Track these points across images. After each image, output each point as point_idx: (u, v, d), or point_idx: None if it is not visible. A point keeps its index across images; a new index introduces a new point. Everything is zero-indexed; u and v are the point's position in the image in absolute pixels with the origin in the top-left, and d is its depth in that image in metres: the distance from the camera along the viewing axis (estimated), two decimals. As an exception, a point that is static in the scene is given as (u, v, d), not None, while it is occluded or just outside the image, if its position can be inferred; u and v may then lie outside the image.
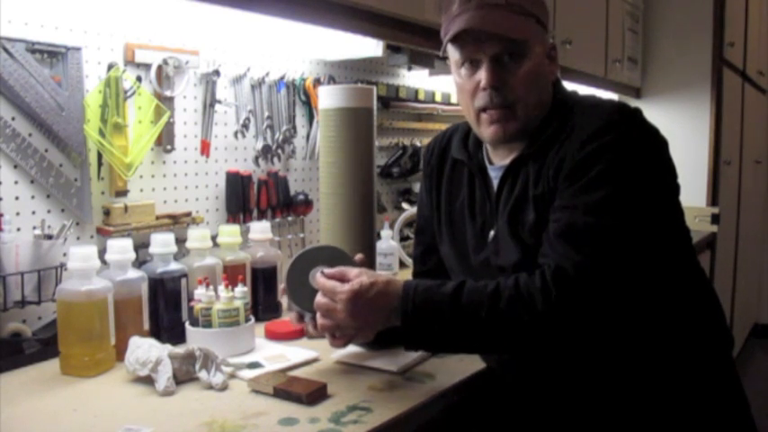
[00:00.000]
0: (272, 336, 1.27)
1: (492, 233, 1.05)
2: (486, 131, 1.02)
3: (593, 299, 0.89)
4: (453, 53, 1.02)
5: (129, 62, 1.33)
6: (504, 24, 0.96)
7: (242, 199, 1.54)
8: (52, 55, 1.21)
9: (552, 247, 0.92)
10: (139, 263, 1.25)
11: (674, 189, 1.00)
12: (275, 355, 1.14)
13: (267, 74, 1.60)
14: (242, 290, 1.19)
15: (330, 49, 1.70)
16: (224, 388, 0.99)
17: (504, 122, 1.00)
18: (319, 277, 0.96)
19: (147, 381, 1.00)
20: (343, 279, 0.94)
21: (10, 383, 1.02)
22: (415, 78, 2.11)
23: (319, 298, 0.95)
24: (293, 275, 1.01)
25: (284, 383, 0.96)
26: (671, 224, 1.01)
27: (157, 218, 1.36)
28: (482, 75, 0.98)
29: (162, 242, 1.22)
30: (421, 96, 2.08)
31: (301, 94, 1.70)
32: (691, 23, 2.92)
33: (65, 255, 1.13)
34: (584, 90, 1.58)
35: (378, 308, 0.92)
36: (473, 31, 0.96)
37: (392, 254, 1.79)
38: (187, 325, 1.16)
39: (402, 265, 1.85)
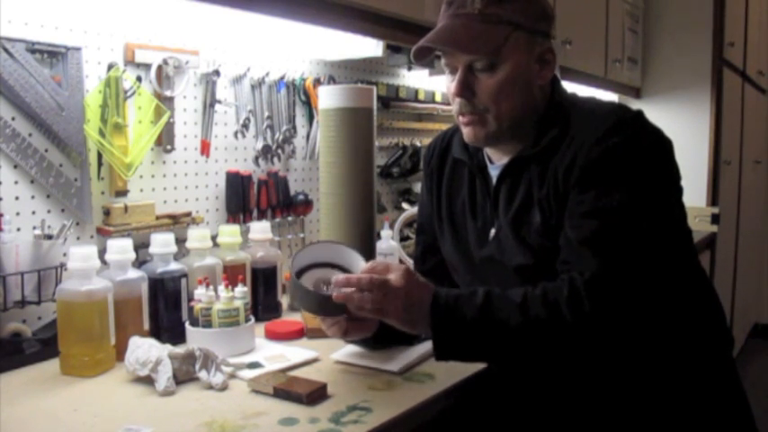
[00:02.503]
0: (272, 336, 1.27)
1: (492, 231, 1.05)
2: (464, 133, 1.05)
3: (626, 305, 0.89)
4: (442, 58, 1.04)
5: (129, 62, 1.33)
6: (467, 38, 0.97)
7: (242, 199, 1.54)
8: (52, 55, 1.21)
9: (577, 255, 0.92)
10: (139, 263, 1.25)
11: (679, 190, 1.01)
12: (275, 355, 1.14)
13: (267, 74, 1.60)
14: (242, 290, 1.19)
15: (330, 49, 1.70)
16: (224, 388, 0.99)
17: (475, 127, 1.02)
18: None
19: (147, 381, 1.00)
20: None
21: (10, 383, 1.02)
22: (415, 78, 2.11)
23: (367, 275, 0.93)
24: (295, 283, 1.01)
25: (284, 383, 0.96)
26: (676, 225, 1.01)
27: (157, 218, 1.36)
28: (454, 82, 1.00)
29: (162, 242, 1.22)
30: (421, 96, 2.08)
31: (301, 94, 1.70)
32: (691, 23, 2.92)
33: (65, 255, 1.13)
34: (584, 90, 1.58)
35: (424, 291, 0.92)
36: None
37: (392, 254, 1.78)
38: (187, 325, 1.16)
39: (402, 265, 1.85)
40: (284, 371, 1.06)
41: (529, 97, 1.02)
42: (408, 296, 0.91)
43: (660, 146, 0.97)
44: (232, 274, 1.27)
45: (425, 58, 1.03)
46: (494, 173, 1.07)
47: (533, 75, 1.01)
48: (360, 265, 1.03)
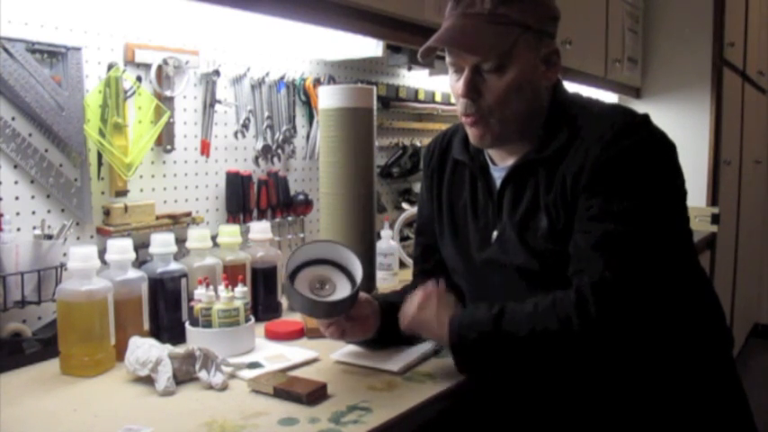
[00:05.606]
0: (272, 336, 1.27)
1: (495, 233, 1.05)
2: (469, 134, 1.04)
3: (633, 309, 0.90)
4: (446, 56, 1.03)
5: (129, 62, 1.33)
6: (478, 40, 0.96)
7: (242, 199, 1.54)
8: (52, 55, 1.21)
9: (587, 260, 0.92)
10: (139, 263, 1.25)
11: (684, 193, 1.01)
12: (275, 355, 1.14)
13: (267, 74, 1.60)
14: (242, 290, 1.19)
15: (330, 49, 1.70)
16: (224, 388, 0.99)
17: (480, 129, 1.01)
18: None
19: (147, 381, 1.00)
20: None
21: (10, 383, 1.02)
22: (415, 78, 2.11)
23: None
24: (288, 287, 1.02)
25: (284, 383, 0.96)
26: (680, 227, 1.01)
27: (157, 218, 1.36)
28: (461, 83, 1.00)
29: (162, 242, 1.22)
30: (421, 96, 2.08)
31: (301, 94, 1.70)
32: (691, 23, 2.92)
33: (65, 255, 1.13)
34: (584, 90, 1.58)
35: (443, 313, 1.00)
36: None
37: (392, 254, 1.79)
38: (187, 325, 1.16)
39: (402, 265, 1.85)
40: (284, 371, 1.06)
41: (535, 99, 1.01)
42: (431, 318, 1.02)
43: (667, 150, 0.97)
44: (232, 274, 1.27)
45: (430, 57, 1.03)
46: (497, 174, 1.07)
47: (540, 76, 1.01)
48: (353, 260, 1.04)
